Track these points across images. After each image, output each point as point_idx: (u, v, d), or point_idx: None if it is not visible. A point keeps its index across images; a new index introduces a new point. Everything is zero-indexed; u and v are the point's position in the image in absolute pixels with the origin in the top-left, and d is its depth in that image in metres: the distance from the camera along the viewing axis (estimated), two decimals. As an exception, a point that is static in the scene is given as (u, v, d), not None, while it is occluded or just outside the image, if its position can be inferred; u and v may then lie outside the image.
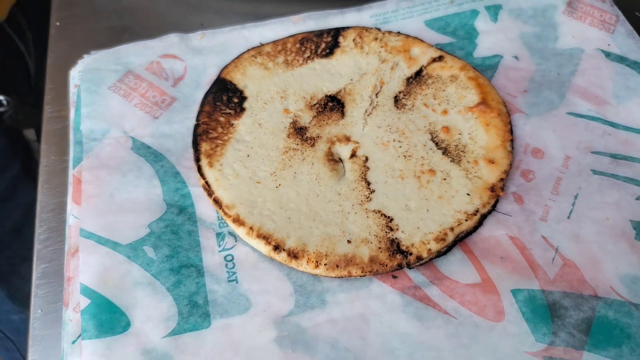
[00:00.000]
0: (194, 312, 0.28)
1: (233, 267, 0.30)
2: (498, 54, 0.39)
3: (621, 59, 0.39)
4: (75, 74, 0.38)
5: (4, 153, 0.53)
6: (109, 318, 0.28)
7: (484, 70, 0.38)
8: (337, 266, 0.29)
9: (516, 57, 0.39)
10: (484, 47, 0.40)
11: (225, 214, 0.31)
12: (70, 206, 0.31)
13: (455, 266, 0.30)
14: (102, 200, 0.31)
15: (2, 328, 0.52)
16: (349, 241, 0.29)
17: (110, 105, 0.36)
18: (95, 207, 0.31)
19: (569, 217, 0.32)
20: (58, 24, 0.44)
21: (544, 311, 0.28)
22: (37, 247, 0.32)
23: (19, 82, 0.53)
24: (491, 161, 0.32)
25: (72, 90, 0.37)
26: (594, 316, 0.28)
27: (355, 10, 0.42)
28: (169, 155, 0.34)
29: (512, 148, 0.34)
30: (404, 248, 0.29)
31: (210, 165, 0.32)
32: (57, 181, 0.35)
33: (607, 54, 0.39)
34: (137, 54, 0.39)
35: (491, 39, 0.40)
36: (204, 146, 0.33)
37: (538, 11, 0.41)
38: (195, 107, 0.36)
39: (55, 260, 0.32)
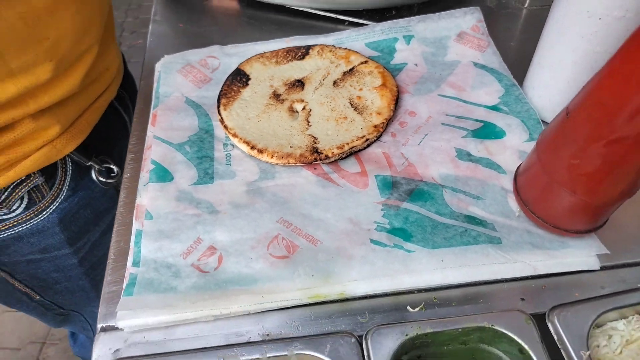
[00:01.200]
0: (206, 176, 0.54)
1: (229, 158, 0.56)
2: (405, 62, 0.64)
3: (483, 67, 0.63)
4: (158, 66, 0.66)
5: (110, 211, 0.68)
6: (163, 175, 0.54)
7: (394, 71, 0.63)
8: (282, 157, 0.53)
9: (415, 65, 0.64)
10: (398, 58, 0.65)
11: (229, 132, 0.57)
12: (149, 127, 0.59)
13: (348, 165, 0.54)
14: (166, 124, 0.59)
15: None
16: (290, 146, 0.54)
17: (176, 80, 0.64)
18: (162, 126, 0.58)
19: (419, 144, 0.55)
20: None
21: (389, 185, 0.52)
22: (128, 157, 0.59)
23: (123, 149, 0.62)
24: (379, 113, 0.57)
25: (156, 74, 0.65)
26: (416, 188, 0.51)
27: (324, 36, 0.68)
28: (204, 106, 0.61)
29: (394, 110, 0.58)
30: (320, 151, 0.54)
31: (224, 109, 0.59)
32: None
33: (475, 64, 0.63)
34: (194, 55, 0.67)
35: (403, 54, 0.65)
36: (223, 100, 0.60)
37: (437, 39, 0.66)
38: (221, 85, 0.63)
39: (139, 152, 0.58)
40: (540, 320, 0.43)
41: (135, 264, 0.46)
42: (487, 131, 0.56)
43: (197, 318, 0.43)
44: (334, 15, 0.74)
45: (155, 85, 0.64)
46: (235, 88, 0.62)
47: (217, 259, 0.46)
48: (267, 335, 0.44)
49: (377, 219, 0.49)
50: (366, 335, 0.42)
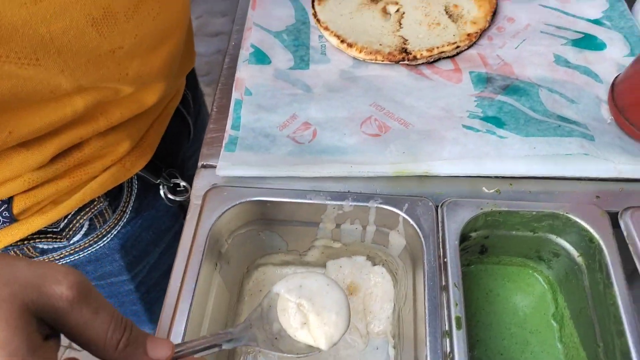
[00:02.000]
0: (302, 62, 0.56)
1: (324, 48, 0.57)
2: (505, -32, 0.63)
3: (588, -21, 0.61)
4: None
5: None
6: (261, 57, 0.56)
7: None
8: (371, 53, 0.54)
9: None
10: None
11: (321, 25, 0.57)
12: (249, 11, 0.61)
13: (443, 65, 0.55)
14: (264, 12, 0.61)
15: None
16: (380, 44, 0.55)
17: None
18: (260, 13, 0.60)
19: (516, 48, 0.55)
20: None
21: (484, 80, 0.52)
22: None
23: (186, 159, 0.59)
24: (474, 22, 0.56)
25: None
26: (511, 84, 0.52)
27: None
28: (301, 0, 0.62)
29: (490, 21, 0.56)
30: (409, 51, 0.54)
31: (319, 3, 0.60)
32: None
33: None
34: None
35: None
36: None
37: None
38: None
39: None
40: (613, 218, 0.44)
41: (235, 127, 0.50)
42: (587, 42, 0.55)
43: (289, 177, 0.47)
44: None
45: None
46: None
47: (312, 133, 0.49)
48: (349, 191, 0.47)
49: (471, 108, 0.50)
50: (443, 204, 0.45)
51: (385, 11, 0.59)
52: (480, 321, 0.49)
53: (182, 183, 0.56)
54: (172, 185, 0.55)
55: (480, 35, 0.55)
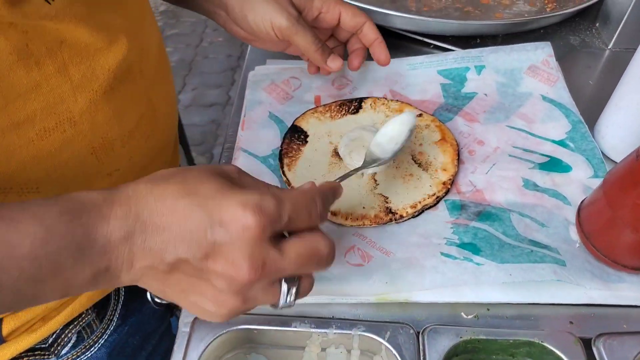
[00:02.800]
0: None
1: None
2: (475, 92, 0.68)
3: (551, 101, 0.66)
4: (250, 76, 0.72)
5: None
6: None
7: (464, 99, 0.67)
8: (357, 219, 0.55)
9: (485, 94, 0.68)
10: (468, 87, 0.69)
11: None
12: (239, 131, 0.65)
13: (420, 186, 0.59)
14: (252, 135, 0.65)
15: None
16: (363, 207, 0.56)
17: (261, 96, 0.70)
18: (248, 138, 0.64)
19: (486, 173, 0.59)
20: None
21: (458, 207, 0.55)
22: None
23: None
24: (444, 169, 0.58)
25: (248, 83, 0.71)
26: (484, 210, 0.55)
27: (399, 60, 0.73)
28: (286, 121, 0.67)
29: (458, 163, 0.58)
30: (394, 211, 0.55)
31: (289, 169, 0.60)
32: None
33: (544, 97, 0.66)
34: (277, 76, 0.73)
35: (474, 83, 0.69)
36: (285, 160, 0.60)
37: (508, 70, 0.70)
38: (305, 102, 0.69)
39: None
40: (586, 345, 0.46)
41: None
42: (553, 165, 0.59)
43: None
44: (420, 38, 0.78)
45: (246, 92, 0.70)
46: (295, 146, 0.61)
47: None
48: (333, 317, 0.49)
49: (447, 235, 0.53)
50: (424, 331, 0.47)
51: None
52: None
53: None
54: None
55: (453, 180, 0.58)
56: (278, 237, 0.34)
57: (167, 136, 0.57)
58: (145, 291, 0.55)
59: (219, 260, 0.31)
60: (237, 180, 0.35)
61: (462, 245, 0.51)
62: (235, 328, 0.49)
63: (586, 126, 0.63)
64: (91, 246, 0.30)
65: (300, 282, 0.37)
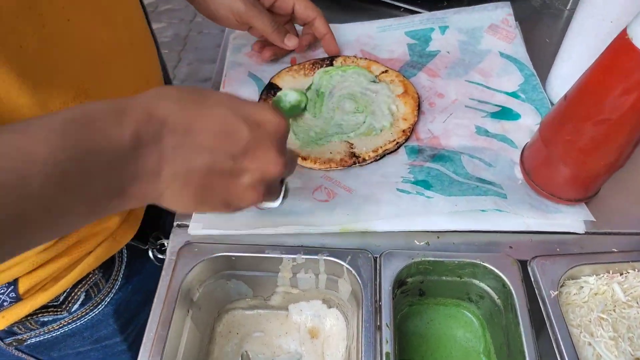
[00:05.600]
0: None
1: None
2: (438, 50, 0.74)
3: (508, 57, 0.72)
4: (231, 38, 0.78)
5: None
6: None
7: (428, 56, 0.73)
8: (324, 163, 0.61)
9: (448, 52, 0.74)
10: (432, 46, 0.75)
11: None
12: (220, 89, 0.71)
13: (383, 133, 0.65)
14: (232, 92, 0.71)
15: None
16: (330, 152, 0.62)
17: (242, 59, 0.76)
18: (230, 89, 0.70)
19: (444, 122, 0.65)
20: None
21: (416, 151, 0.62)
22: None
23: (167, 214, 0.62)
24: (405, 119, 0.65)
25: (229, 44, 0.77)
26: (438, 153, 0.61)
27: (369, 23, 0.78)
28: (263, 79, 0.72)
29: (418, 115, 0.64)
30: (357, 154, 0.62)
31: None
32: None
33: (501, 54, 0.72)
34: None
35: (438, 42, 0.75)
36: None
37: (470, 29, 0.75)
38: (282, 62, 0.75)
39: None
40: (523, 266, 0.53)
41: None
42: (504, 114, 0.65)
43: (251, 233, 0.56)
44: (391, 2, 0.84)
45: (227, 54, 0.76)
46: (270, 101, 0.67)
47: (271, 199, 0.58)
48: (302, 245, 0.56)
49: (404, 174, 0.59)
50: (381, 255, 0.54)
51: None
52: (418, 357, 0.56)
53: (166, 242, 0.59)
54: (158, 247, 0.60)
55: (413, 129, 0.64)
56: None
57: None
58: (146, 251, 0.61)
59: (256, 156, 0.35)
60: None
61: (416, 182, 0.58)
62: (216, 255, 0.55)
63: (538, 79, 0.69)
64: (112, 151, 0.30)
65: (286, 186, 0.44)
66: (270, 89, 0.70)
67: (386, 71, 0.71)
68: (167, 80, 0.74)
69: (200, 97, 0.34)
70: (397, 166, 0.60)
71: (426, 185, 0.57)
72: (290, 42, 0.67)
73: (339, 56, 0.74)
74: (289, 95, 0.67)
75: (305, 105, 0.67)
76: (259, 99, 0.69)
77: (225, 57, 0.77)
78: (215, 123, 0.34)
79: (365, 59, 0.73)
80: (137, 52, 0.52)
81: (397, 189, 0.57)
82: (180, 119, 0.32)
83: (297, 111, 0.66)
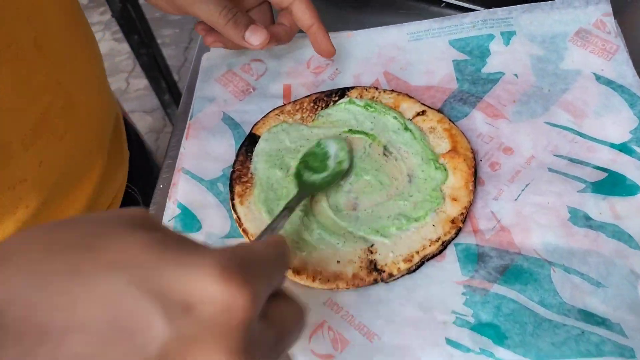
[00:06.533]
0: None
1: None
2: (501, 71, 0.49)
3: (609, 83, 0.47)
4: (203, 61, 0.55)
5: None
6: (190, 223, 0.44)
7: (487, 83, 0.49)
8: (328, 281, 0.38)
9: (516, 75, 0.49)
10: (492, 65, 0.50)
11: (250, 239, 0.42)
12: (183, 141, 0.49)
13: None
14: (198, 148, 0.48)
15: None
16: (338, 261, 0.39)
17: (214, 90, 0.53)
18: (193, 152, 0.48)
19: (516, 199, 0.42)
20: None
21: (474, 257, 0.39)
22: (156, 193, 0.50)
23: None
24: (454, 199, 0.41)
25: (199, 71, 0.55)
26: (511, 264, 0.38)
27: (396, 28, 0.54)
28: (244, 125, 0.50)
29: (474, 187, 0.41)
30: (380, 267, 0.39)
31: (241, 203, 0.43)
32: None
33: (598, 77, 0.47)
34: (236, 56, 0.55)
35: (500, 58, 0.50)
36: (237, 188, 0.44)
37: (547, 38, 0.50)
38: (270, 95, 0.52)
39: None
40: None
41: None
42: (612, 184, 0.41)
43: None
44: None
45: (197, 85, 0.54)
46: (252, 166, 0.46)
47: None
48: None
49: (457, 307, 0.37)
50: None
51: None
52: None
53: None
54: None
55: (467, 214, 0.41)
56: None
57: (96, 133, 0.47)
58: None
59: None
60: (163, 231, 0.24)
61: (479, 328, 0.36)
62: None
63: (660, 119, 0.44)
64: None
65: None
66: (253, 145, 0.47)
67: (423, 112, 0.47)
68: (165, 81, 0.58)
69: (81, 255, 0.20)
70: (444, 285, 0.38)
71: (496, 335, 0.35)
72: (255, 39, 0.44)
73: (352, 88, 0.50)
74: (331, 146, 0.45)
75: (349, 168, 0.45)
76: (235, 161, 0.47)
77: (195, 88, 0.54)
78: (100, 312, 0.19)
79: (392, 91, 0.49)
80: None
81: (448, 341, 0.35)
82: (31, 308, 0.19)
83: (337, 178, 0.44)
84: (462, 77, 0.50)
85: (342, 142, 0.45)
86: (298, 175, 0.44)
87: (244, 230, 0.43)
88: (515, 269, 0.38)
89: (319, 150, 0.45)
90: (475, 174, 0.43)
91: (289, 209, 0.39)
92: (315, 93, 0.50)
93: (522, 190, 0.42)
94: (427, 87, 0.50)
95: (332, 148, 0.45)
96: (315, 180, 0.43)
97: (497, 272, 0.38)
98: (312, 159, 0.44)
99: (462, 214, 0.41)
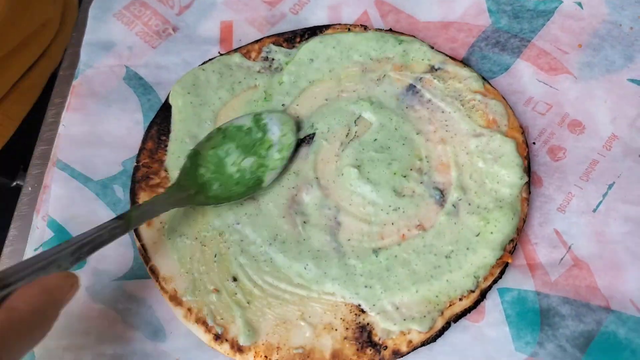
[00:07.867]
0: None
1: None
2: (558, -1, 0.32)
3: None
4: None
5: None
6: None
7: (535, 16, 0.31)
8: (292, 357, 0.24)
9: (580, 4, 0.32)
10: (543, -13, 0.33)
11: (162, 288, 0.26)
12: (63, 116, 0.31)
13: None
14: (84, 129, 0.31)
15: None
16: (304, 323, 0.24)
17: (112, 31, 0.34)
18: (75, 135, 0.30)
19: (595, 210, 0.26)
20: None
21: (534, 317, 0.24)
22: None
23: None
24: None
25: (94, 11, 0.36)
26: (598, 330, 0.23)
27: None
28: (159, 89, 0.32)
29: (528, 191, 0.26)
30: (374, 340, 0.24)
31: (147, 224, 0.27)
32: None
33: None
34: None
35: (554, -22, 0.33)
36: (143, 197, 0.28)
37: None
38: (202, 39, 0.34)
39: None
40: None
41: None
42: None
43: None
44: None
45: (87, 27, 0.35)
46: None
47: None
48: None
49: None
50: None
51: (292, 204, 0.28)
52: None
53: None
54: None
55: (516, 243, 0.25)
56: None
57: None
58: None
59: None
60: None
61: None
62: None
63: None
64: None
65: None
66: (168, 114, 0.30)
67: (438, 68, 0.30)
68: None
69: None
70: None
71: None
72: None
73: (328, 26, 0.32)
74: (273, 124, 0.29)
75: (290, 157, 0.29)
76: (141, 148, 0.29)
77: (82, 40, 0.35)
78: None
79: (390, 31, 0.31)
80: None
81: None
82: None
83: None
84: (497, 7, 0.32)
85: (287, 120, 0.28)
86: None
87: (152, 270, 0.26)
88: (605, 340, 0.23)
89: (254, 134, 0.28)
90: (528, 166, 0.26)
91: (125, 218, 0.24)
92: (271, 36, 0.32)
93: (605, 195, 0.26)
94: (444, 24, 0.33)
95: (275, 129, 0.28)
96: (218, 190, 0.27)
97: (577, 348, 0.23)
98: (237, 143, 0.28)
99: (511, 240, 0.25)
